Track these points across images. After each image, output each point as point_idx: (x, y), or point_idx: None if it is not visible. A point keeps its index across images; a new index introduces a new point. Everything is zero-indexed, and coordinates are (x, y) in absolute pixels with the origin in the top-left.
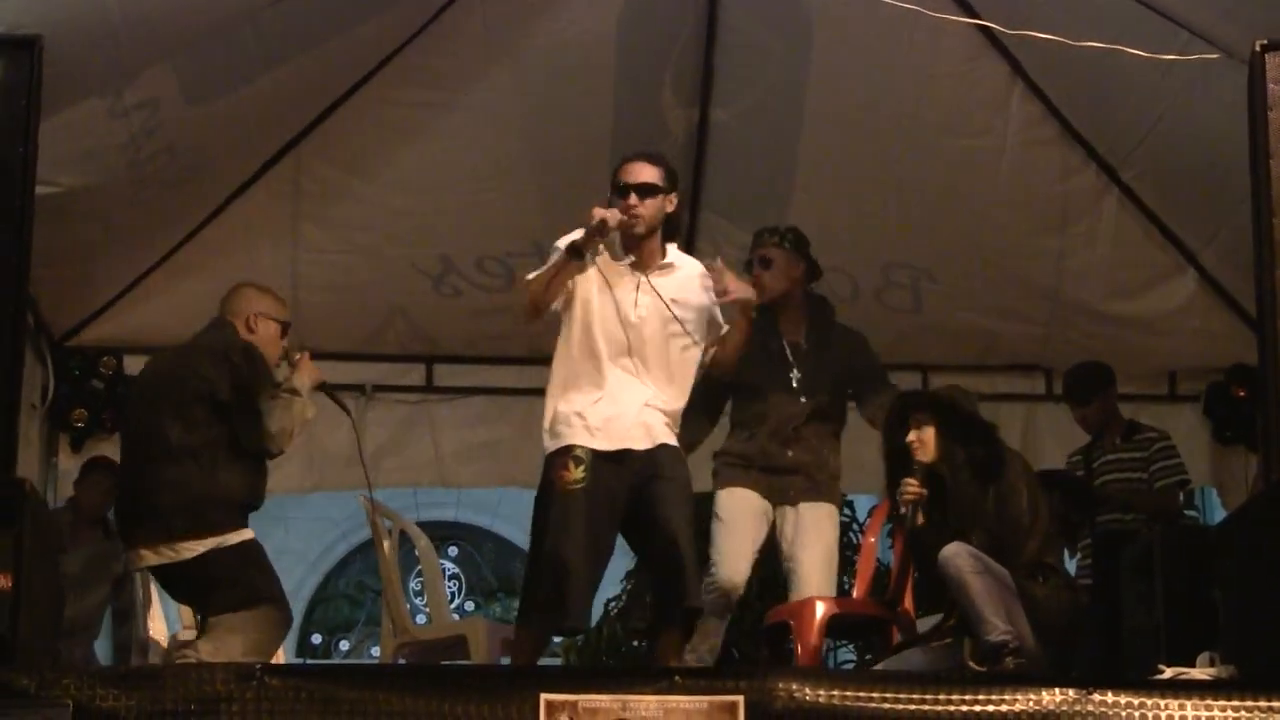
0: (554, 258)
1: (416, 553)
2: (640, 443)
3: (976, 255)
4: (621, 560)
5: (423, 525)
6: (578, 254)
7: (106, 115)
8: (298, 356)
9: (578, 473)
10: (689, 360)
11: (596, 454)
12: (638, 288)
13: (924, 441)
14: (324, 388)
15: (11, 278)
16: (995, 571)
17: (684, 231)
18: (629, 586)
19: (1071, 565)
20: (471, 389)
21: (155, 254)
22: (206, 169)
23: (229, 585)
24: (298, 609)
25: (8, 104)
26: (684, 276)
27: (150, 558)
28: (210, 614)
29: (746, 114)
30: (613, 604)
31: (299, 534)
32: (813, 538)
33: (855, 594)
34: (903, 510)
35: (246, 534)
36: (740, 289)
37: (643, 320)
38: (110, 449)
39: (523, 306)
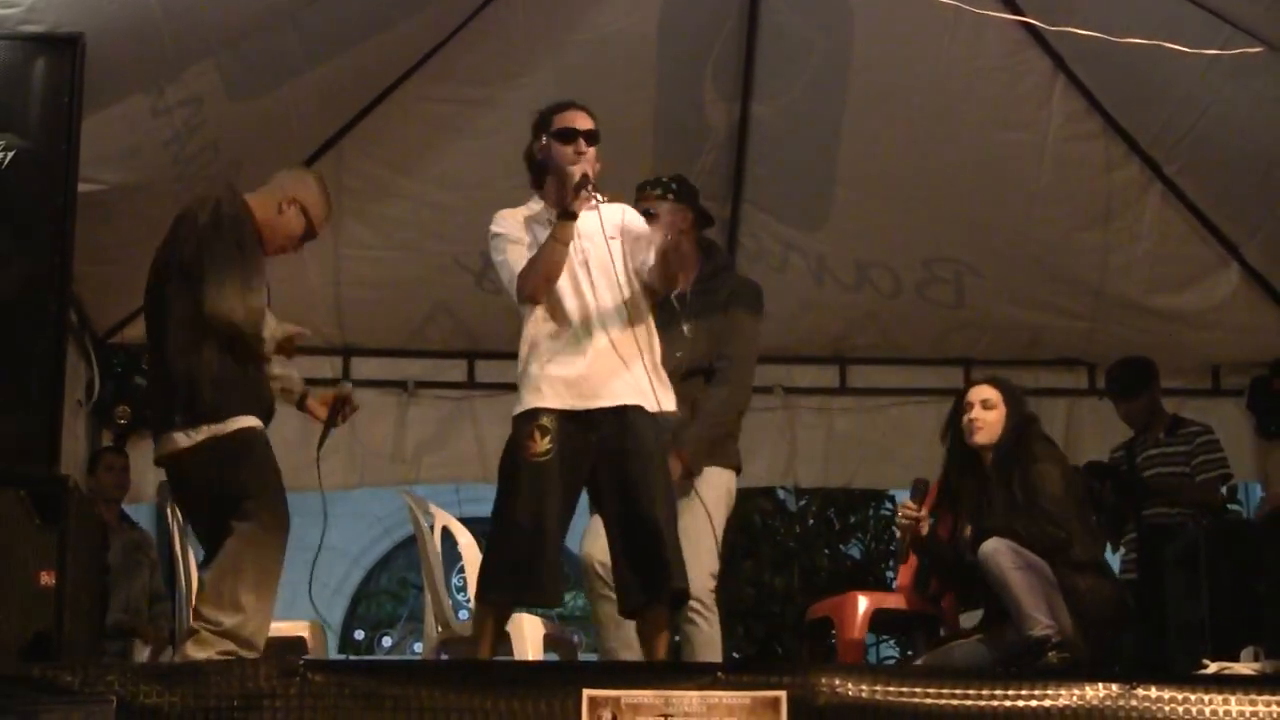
0: (545, 238)
1: (459, 549)
2: (609, 399)
3: (1019, 250)
4: None
5: (465, 521)
6: (574, 216)
7: (149, 112)
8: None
9: (544, 444)
10: (640, 297)
11: (563, 415)
12: (579, 235)
13: (988, 423)
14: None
15: (55, 274)
16: (1035, 566)
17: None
18: None
19: (1115, 559)
20: (514, 385)
21: None
22: (249, 166)
23: (220, 486)
24: (340, 605)
25: (51, 102)
26: (608, 212)
27: (155, 452)
28: (201, 522)
29: (787, 108)
30: None
31: (341, 530)
32: (686, 518)
33: (898, 589)
34: (899, 535)
35: (245, 421)
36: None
37: (590, 265)
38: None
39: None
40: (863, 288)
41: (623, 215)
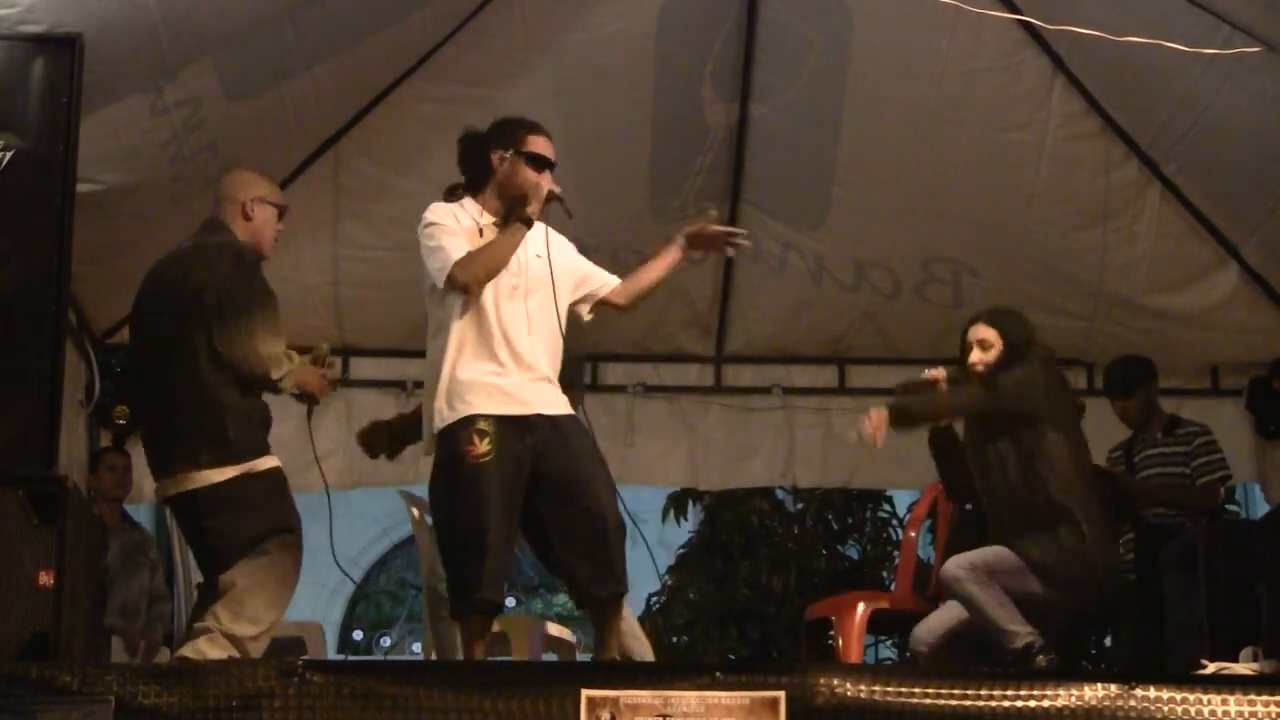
0: (506, 231)
1: None
2: (545, 407)
3: (1018, 250)
4: (661, 556)
5: None
6: (531, 222)
7: (148, 113)
8: (327, 360)
9: (484, 445)
10: (562, 318)
11: (499, 419)
12: (525, 248)
13: (989, 366)
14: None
15: (54, 274)
16: (996, 570)
17: None
18: (670, 582)
19: None
20: None
21: None
22: (247, 166)
23: (254, 515)
24: (338, 606)
25: (49, 102)
26: (547, 234)
27: (171, 486)
28: (226, 556)
29: (786, 108)
30: (654, 599)
31: (339, 530)
32: None
33: (896, 589)
34: (925, 375)
35: (273, 461)
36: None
37: (528, 282)
38: None
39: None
40: (861, 288)
41: (569, 252)
